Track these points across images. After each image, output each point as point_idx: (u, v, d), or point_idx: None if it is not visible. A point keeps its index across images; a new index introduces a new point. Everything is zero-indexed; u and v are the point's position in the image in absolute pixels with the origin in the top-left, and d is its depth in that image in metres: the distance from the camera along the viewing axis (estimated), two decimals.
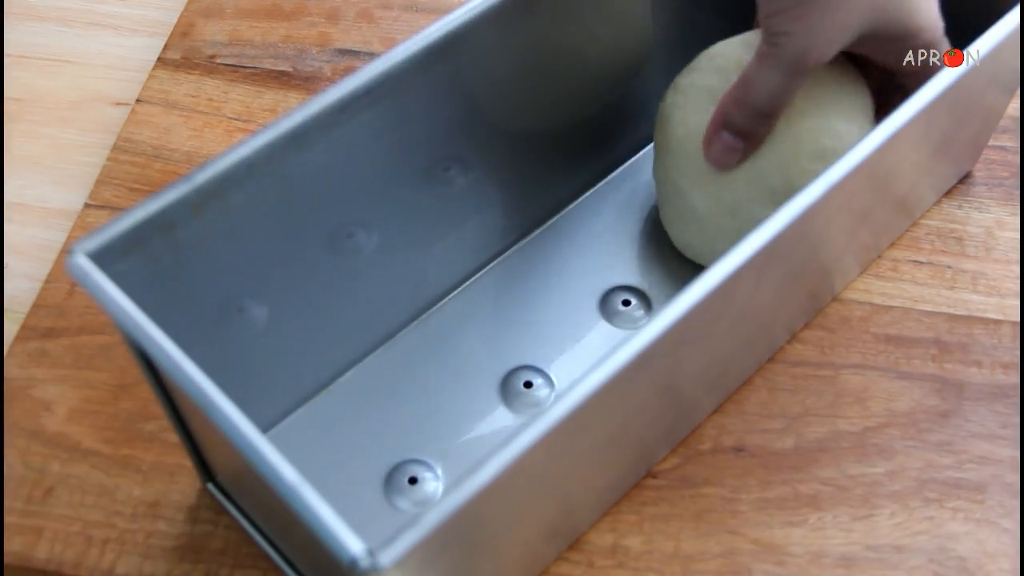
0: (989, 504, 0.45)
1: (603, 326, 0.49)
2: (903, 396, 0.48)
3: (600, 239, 0.52)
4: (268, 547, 0.43)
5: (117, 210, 0.53)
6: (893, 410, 0.47)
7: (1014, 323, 0.50)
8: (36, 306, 0.50)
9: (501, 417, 0.47)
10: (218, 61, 0.60)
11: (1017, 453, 0.46)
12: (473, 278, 0.51)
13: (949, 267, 0.52)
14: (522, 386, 0.47)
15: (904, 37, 0.43)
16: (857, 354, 0.49)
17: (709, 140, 0.45)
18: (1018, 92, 0.58)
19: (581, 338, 0.49)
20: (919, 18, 0.43)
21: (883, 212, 0.48)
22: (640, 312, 0.50)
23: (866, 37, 0.42)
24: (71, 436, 0.46)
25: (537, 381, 0.48)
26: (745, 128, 0.44)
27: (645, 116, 0.54)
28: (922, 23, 0.43)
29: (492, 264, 0.51)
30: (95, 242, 0.34)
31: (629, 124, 0.54)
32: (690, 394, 0.44)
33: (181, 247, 0.37)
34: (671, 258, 0.52)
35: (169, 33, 0.62)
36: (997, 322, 0.50)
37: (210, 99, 0.59)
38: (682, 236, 0.50)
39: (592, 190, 0.54)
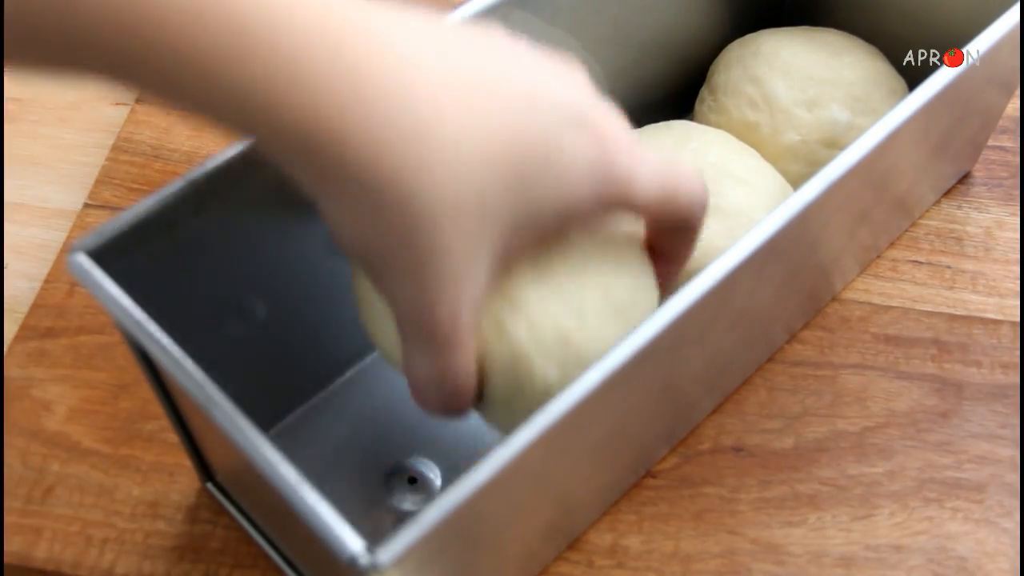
0: (988, 504, 0.45)
1: None
2: (902, 396, 0.48)
3: None
4: (268, 547, 0.43)
5: (117, 210, 0.53)
6: (892, 410, 0.47)
7: (1013, 323, 0.50)
8: (36, 306, 0.50)
9: None
10: None
11: (1016, 453, 0.46)
12: None
13: (948, 267, 0.52)
14: None
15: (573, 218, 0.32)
16: (856, 354, 0.49)
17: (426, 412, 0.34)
18: (1017, 92, 0.58)
19: None
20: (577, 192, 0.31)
21: (882, 212, 0.49)
22: None
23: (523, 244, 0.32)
24: (70, 436, 0.46)
25: None
26: (447, 404, 0.33)
27: None
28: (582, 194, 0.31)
29: None
30: (95, 241, 0.34)
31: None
32: (689, 394, 0.44)
33: (181, 246, 0.37)
34: None
35: None
36: (996, 322, 0.50)
37: None
38: None
39: None
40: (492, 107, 0.29)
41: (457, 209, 0.28)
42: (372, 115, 0.27)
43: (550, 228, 0.32)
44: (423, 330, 0.30)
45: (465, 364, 0.32)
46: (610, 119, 0.32)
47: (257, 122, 0.27)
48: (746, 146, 0.49)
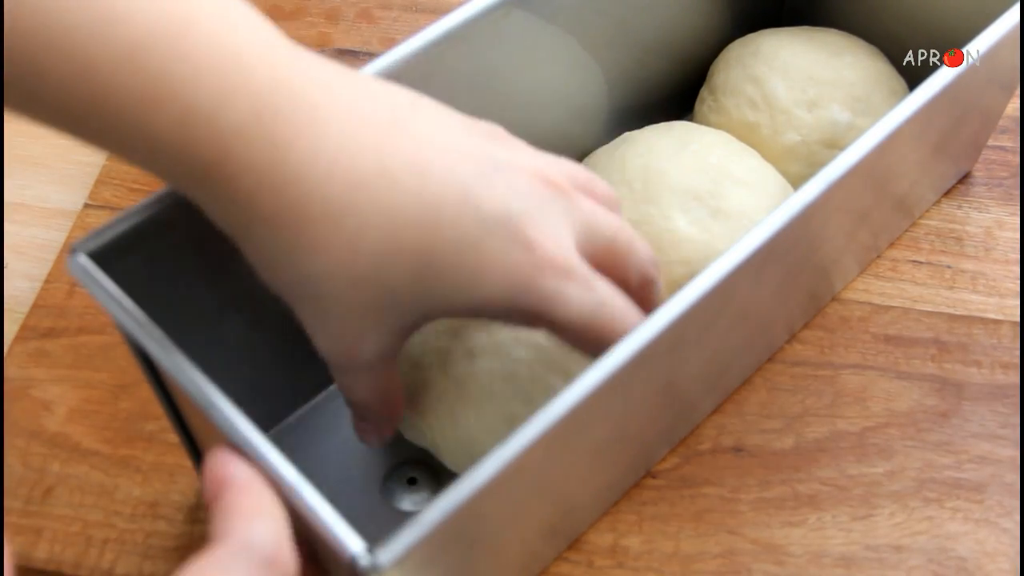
0: (988, 504, 0.45)
1: None
2: (903, 396, 0.48)
3: None
4: None
5: (117, 210, 0.53)
6: (893, 410, 0.47)
7: (1014, 323, 0.50)
8: (36, 306, 0.50)
9: None
10: None
11: (1017, 453, 0.46)
12: None
13: (948, 267, 0.52)
14: None
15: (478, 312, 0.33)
16: (856, 354, 0.49)
17: (354, 424, 0.39)
18: (1017, 92, 0.58)
19: None
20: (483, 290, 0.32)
21: (882, 212, 0.48)
22: None
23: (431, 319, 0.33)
24: (71, 436, 0.46)
25: None
26: (363, 416, 0.38)
27: None
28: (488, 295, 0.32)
29: None
30: (96, 242, 0.34)
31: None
32: (689, 394, 0.44)
33: (181, 246, 0.37)
34: None
35: None
36: (997, 322, 0.50)
37: None
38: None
39: None
40: (410, 200, 0.31)
41: (353, 286, 0.31)
42: (286, 189, 0.29)
43: (464, 316, 0.33)
44: (325, 356, 0.34)
45: (364, 386, 0.35)
46: (551, 239, 0.32)
47: (170, 162, 0.29)
48: (747, 147, 0.49)
